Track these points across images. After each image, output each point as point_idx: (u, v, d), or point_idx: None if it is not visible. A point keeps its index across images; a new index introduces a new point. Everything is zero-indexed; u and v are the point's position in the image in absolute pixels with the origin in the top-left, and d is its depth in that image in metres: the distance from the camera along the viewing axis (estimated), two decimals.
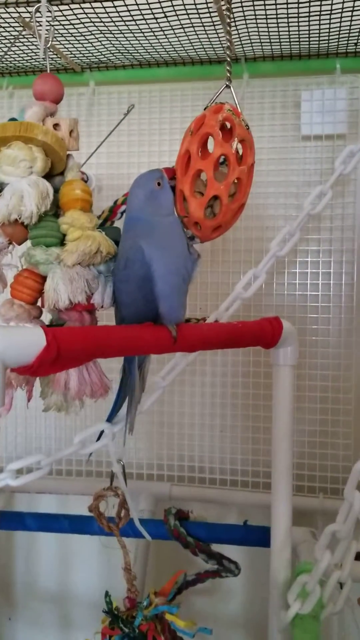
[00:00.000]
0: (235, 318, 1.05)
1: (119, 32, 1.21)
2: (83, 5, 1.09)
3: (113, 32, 1.21)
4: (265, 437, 1.38)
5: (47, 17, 0.92)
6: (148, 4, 1.07)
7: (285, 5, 1.09)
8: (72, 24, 1.17)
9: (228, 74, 0.80)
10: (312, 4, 1.08)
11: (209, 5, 1.09)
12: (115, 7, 1.09)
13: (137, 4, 1.08)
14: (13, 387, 0.80)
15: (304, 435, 1.35)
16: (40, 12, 0.86)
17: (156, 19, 1.14)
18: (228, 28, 0.81)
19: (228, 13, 0.86)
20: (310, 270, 1.37)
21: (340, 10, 1.11)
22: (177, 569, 1.09)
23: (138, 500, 1.38)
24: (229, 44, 0.80)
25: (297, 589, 0.87)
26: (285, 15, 1.13)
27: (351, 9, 1.11)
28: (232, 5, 1.05)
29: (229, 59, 0.80)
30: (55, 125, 0.78)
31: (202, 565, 1.13)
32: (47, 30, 0.86)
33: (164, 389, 0.97)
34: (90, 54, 1.33)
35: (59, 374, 0.80)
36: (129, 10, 1.11)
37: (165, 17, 1.13)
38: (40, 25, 0.85)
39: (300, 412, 1.35)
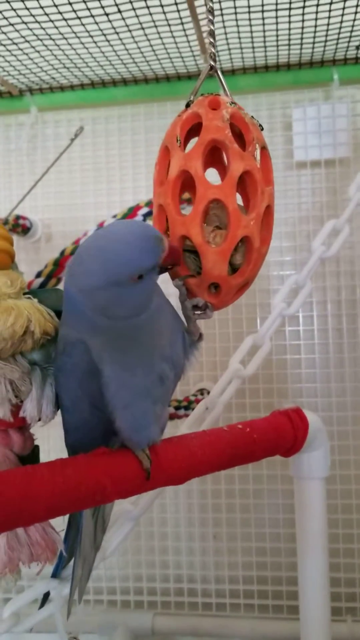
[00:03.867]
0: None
1: (62, 39, 0.95)
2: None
3: (55, 39, 0.95)
4: (272, 546, 1.07)
5: None
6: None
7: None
8: (1, 30, 0.91)
9: (211, 50, 0.52)
10: None
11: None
12: (56, 5, 0.83)
13: (84, 1, 0.83)
14: None
15: None
16: None
17: (108, 18, 0.88)
18: None
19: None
20: (316, 327, 1.09)
21: (342, 4, 0.87)
22: None
23: (111, 638, 1.05)
24: (210, 4, 0.52)
25: None
26: (274, 7, 0.88)
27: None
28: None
29: (211, 25, 0.52)
30: None
31: None
32: None
33: (137, 520, 0.66)
34: (30, 72, 1.07)
35: None
36: (74, 11, 0.85)
37: (121, 14, 0.87)
38: None
39: None
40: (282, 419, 0.61)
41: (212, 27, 0.54)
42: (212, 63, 0.53)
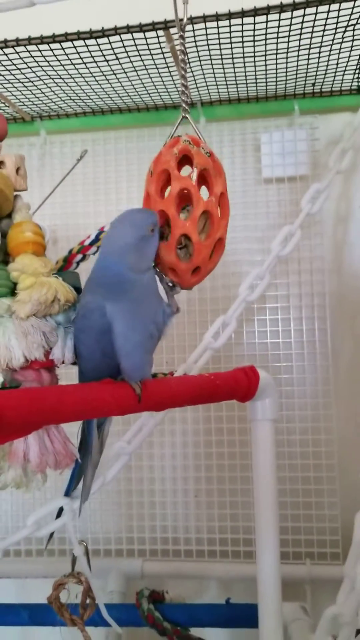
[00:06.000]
0: (205, 370, 0.97)
1: (69, 77, 1.15)
2: (30, 48, 1.03)
3: (63, 77, 1.15)
4: (243, 500, 1.26)
5: None
6: (97, 43, 1.02)
7: (240, 45, 1.05)
8: (20, 70, 1.11)
9: (184, 105, 0.73)
10: (268, 42, 1.05)
11: (162, 47, 1.04)
12: (63, 49, 1.04)
13: (86, 47, 1.03)
14: None
15: (285, 496, 1.24)
16: None
17: (108, 62, 1.09)
18: (182, 65, 0.75)
19: (182, 54, 0.80)
20: (280, 316, 1.30)
21: (297, 50, 1.08)
22: None
23: (106, 581, 1.24)
24: (183, 72, 0.73)
25: None
26: (241, 56, 1.09)
27: (307, 48, 1.08)
28: (187, 47, 1.01)
29: (184, 90, 0.73)
30: (0, 163, 0.70)
31: None
32: None
33: (131, 455, 0.86)
34: (41, 102, 1.27)
35: (16, 445, 0.69)
36: (78, 53, 1.06)
37: (118, 60, 1.08)
38: None
39: (279, 470, 1.23)
40: (240, 372, 0.81)
41: (183, 83, 0.74)
42: (184, 114, 0.73)
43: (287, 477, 1.25)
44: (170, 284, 0.73)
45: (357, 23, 1.01)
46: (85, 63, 1.09)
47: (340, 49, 1.09)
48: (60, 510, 0.83)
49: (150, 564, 1.27)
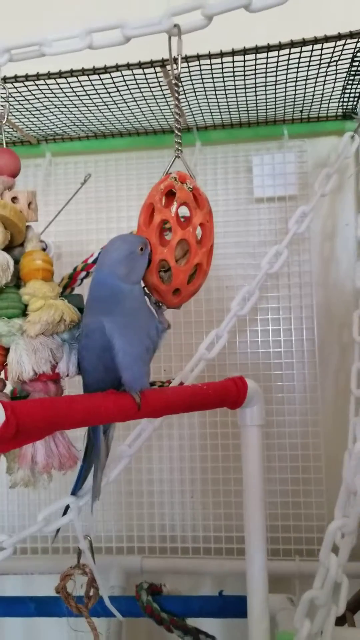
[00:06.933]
0: (200, 378, 1.05)
1: (73, 106, 1.24)
2: (38, 82, 1.11)
3: (67, 106, 1.24)
4: (236, 500, 1.34)
5: (2, 94, 0.95)
6: (100, 79, 1.10)
7: (232, 79, 1.14)
8: (27, 99, 1.20)
9: (177, 146, 0.82)
10: (257, 75, 1.13)
11: (159, 78, 1.13)
12: (68, 82, 1.12)
13: (89, 79, 1.12)
14: None
15: (275, 496, 1.33)
16: None
17: (109, 92, 1.17)
18: (177, 102, 0.84)
19: (177, 88, 0.89)
20: (271, 327, 1.38)
21: (284, 81, 1.17)
22: None
23: (108, 576, 1.32)
24: (177, 117, 0.82)
25: None
26: (233, 87, 1.18)
27: (294, 80, 1.17)
28: (182, 78, 1.09)
29: (178, 132, 0.82)
30: (14, 199, 0.79)
31: None
32: (2, 106, 0.88)
33: (131, 457, 0.95)
34: (46, 127, 1.36)
35: (25, 448, 0.77)
36: (82, 86, 1.14)
37: (118, 90, 1.17)
38: None
39: (270, 472, 1.32)
40: (229, 382, 0.89)
41: (177, 127, 0.83)
42: (177, 154, 0.81)
43: (277, 478, 1.33)
44: (157, 303, 0.82)
45: (339, 59, 1.10)
46: (88, 95, 1.18)
47: (325, 80, 1.18)
48: (67, 509, 0.91)
49: (149, 560, 1.35)
